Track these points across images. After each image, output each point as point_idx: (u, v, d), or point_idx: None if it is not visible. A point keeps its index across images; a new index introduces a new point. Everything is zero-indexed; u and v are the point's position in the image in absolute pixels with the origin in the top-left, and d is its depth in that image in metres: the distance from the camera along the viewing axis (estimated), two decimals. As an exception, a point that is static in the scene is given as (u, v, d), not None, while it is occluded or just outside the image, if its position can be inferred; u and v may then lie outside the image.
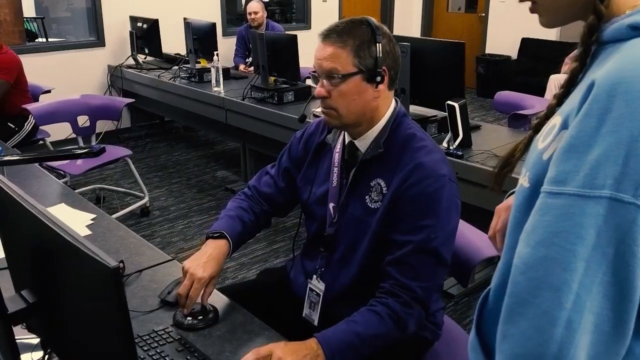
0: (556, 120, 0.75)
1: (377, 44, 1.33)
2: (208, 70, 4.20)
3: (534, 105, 3.47)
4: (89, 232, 1.78)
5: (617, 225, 0.64)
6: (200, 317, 1.34)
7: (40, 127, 3.94)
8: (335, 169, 1.46)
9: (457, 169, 2.49)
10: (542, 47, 6.67)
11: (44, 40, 5.95)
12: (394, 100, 1.44)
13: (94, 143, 3.88)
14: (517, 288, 0.69)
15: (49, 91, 4.18)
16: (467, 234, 1.63)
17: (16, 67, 3.82)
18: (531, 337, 0.67)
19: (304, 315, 1.51)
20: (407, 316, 1.29)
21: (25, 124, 3.80)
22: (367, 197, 1.39)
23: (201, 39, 4.40)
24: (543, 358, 0.66)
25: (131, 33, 5.07)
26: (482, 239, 1.64)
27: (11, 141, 3.70)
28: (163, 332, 1.28)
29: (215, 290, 1.45)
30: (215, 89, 4.01)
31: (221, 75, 3.99)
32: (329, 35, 1.33)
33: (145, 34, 4.91)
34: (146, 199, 3.89)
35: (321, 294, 1.46)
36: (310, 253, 1.55)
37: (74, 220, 1.85)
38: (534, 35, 6.76)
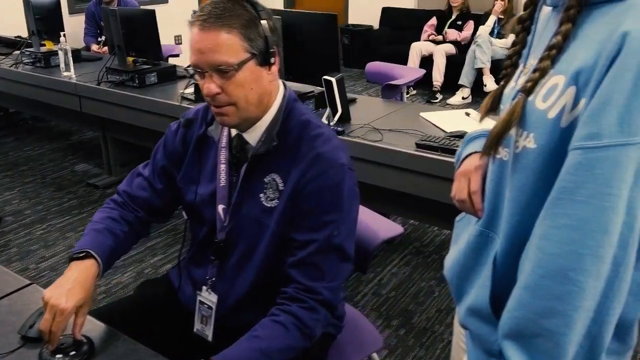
0: (557, 79, 0.79)
1: (262, 21, 1.17)
2: (55, 53, 3.74)
3: (403, 74, 3.49)
4: None
5: None
6: (73, 353, 1.12)
7: None
8: (223, 166, 1.29)
9: (339, 146, 2.42)
10: (402, 16, 6.83)
11: None
12: (281, 84, 1.29)
13: None
14: (574, 246, 0.73)
15: None
16: (362, 217, 1.55)
17: None
18: (583, 282, 0.74)
19: (195, 331, 1.35)
20: (313, 323, 1.17)
21: None
22: (261, 195, 1.24)
23: (44, 18, 3.91)
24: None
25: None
26: (376, 221, 1.57)
27: None
28: (27, 379, 1.06)
29: (88, 316, 1.24)
30: (65, 73, 3.58)
31: (71, 58, 3.57)
32: (208, 21, 1.12)
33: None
34: (-5, 204, 3.42)
35: (214, 307, 1.30)
36: (198, 260, 1.37)
37: None
38: (394, 4, 6.90)
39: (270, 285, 1.24)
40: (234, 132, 1.29)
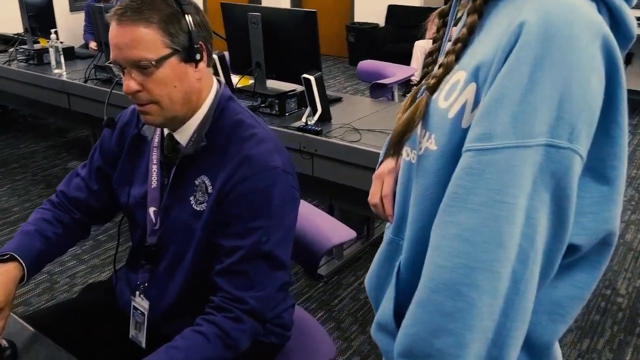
0: (459, 75, 0.72)
1: (186, 15, 1.11)
2: (48, 50, 3.74)
3: (394, 73, 3.42)
4: None
5: (553, 171, 0.64)
6: (-8, 358, 1.09)
7: None
8: (154, 167, 1.24)
9: (315, 146, 2.36)
10: (407, 14, 6.74)
11: None
12: (215, 81, 1.24)
13: None
14: (463, 259, 0.66)
15: None
16: (314, 219, 1.49)
17: None
18: (476, 299, 0.65)
19: (130, 337, 1.30)
20: (238, 334, 1.12)
21: None
22: (191, 198, 1.19)
23: (38, 15, 3.90)
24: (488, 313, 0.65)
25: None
26: (330, 225, 1.51)
27: None
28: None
29: (18, 319, 1.20)
30: (56, 70, 3.57)
31: (61, 56, 3.56)
32: (125, 15, 1.07)
33: (-28, 12, 4.30)
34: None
35: (146, 313, 1.26)
36: (133, 265, 1.33)
37: None
38: (400, 2, 6.81)
39: (202, 292, 1.19)
40: (166, 131, 1.24)
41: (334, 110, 2.59)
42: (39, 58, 3.81)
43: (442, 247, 0.68)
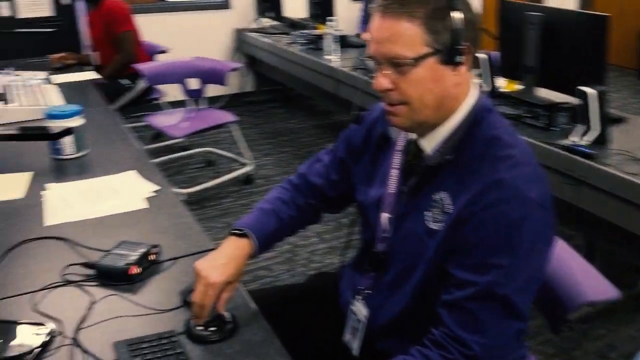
0: None
1: (455, 12, 1.00)
2: (324, 37, 3.98)
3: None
4: (146, 205, 1.67)
5: None
6: (213, 329, 1.14)
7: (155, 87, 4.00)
8: (395, 172, 1.16)
9: (582, 171, 2.05)
10: None
11: None
12: (475, 88, 1.10)
13: (202, 106, 3.85)
14: None
15: (164, 51, 4.21)
16: (568, 263, 1.26)
17: (129, 13, 3.88)
18: None
19: (344, 339, 1.26)
20: None
21: (138, 81, 3.85)
22: (427, 213, 1.09)
23: (321, 3, 4.18)
24: None
25: (258, -5, 4.98)
26: (587, 275, 1.25)
27: (124, 98, 3.77)
28: (166, 340, 1.10)
29: (244, 294, 1.25)
30: (328, 57, 3.78)
31: (335, 43, 3.75)
32: (388, 6, 1.00)
33: (271, -4, 4.79)
34: (250, 167, 3.81)
35: (363, 321, 1.20)
36: (359, 267, 1.28)
37: (137, 190, 1.76)
38: None
39: (424, 317, 1.08)
40: (412, 136, 1.15)
41: (614, 132, 2.22)
42: (316, 43, 4.08)
43: None
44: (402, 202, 1.14)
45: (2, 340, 1.09)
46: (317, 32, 4.16)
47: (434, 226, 1.07)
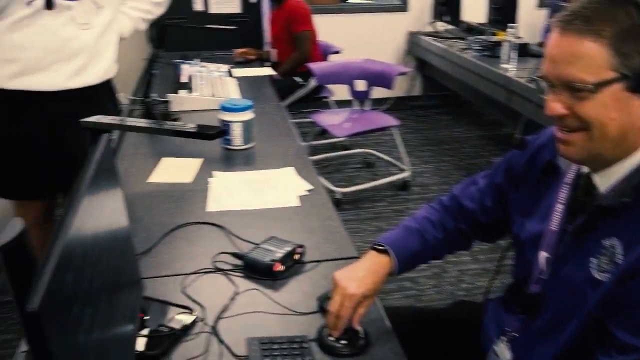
0: None
1: None
2: (502, 44, 3.77)
3: None
4: (298, 203, 1.71)
5: None
6: (345, 342, 1.11)
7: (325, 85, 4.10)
8: (560, 207, 1.04)
9: None
10: None
11: (357, 0, 6.16)
12: None
13: (367, 108, 3.87)
14: None
15: (337, 52, 4.29)
16: None
17: (309, 13, 4.00)
18: None
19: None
20: None
21: (310, 80, 3.98)
22: (593, 259, 0.95)
23: (502, 8, 3.97)
24: None
25: (435, -2, 4.88)
26: None
27: (295, 95, 3.91)
28: (297, 345, 1.10)
29: (381, 306, 1.21)
30: (504, 65, 3.58)
31: (514, 51, 3.53)
32: (571, 22, 0.89)
33: (449, 0, 4.66)
34: (407, 173, 3.76)
35: (506, 367, 1.09)
36: (508, 304, 1.17)
37: (292, 188, 1.80)
38: None
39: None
40: (584, 169, 1.01)
41: None
42: (492, 50, 3.88)
43: None
44: (565, 242, 1.02)
45: (149, 317, 1.17)
46: (494, 38, 3.97)
47: (598, 276, 0.93)
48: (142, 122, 1.14)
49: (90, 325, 0.76)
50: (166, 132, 1.05)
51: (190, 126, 1.12)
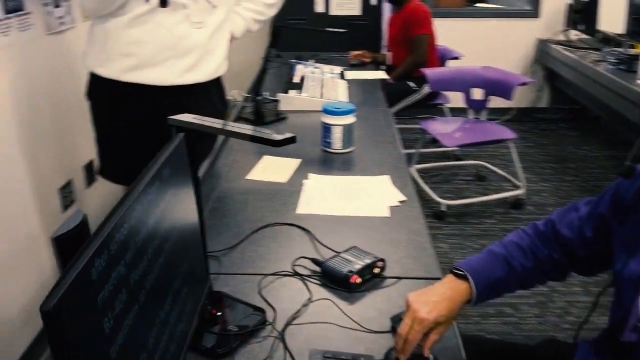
0: None
1: None
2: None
3: None
4: (388, 214, 1.65)
5: None
6: (413, 369, 1.05)
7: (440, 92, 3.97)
8: None
9: None
10: None
11: (484, 5, 5.92)
12: None
13: (482, 118, 3.69)
14: None
15: (457, 57, 4.14)
16: None
17: (429, 17, 3.89)
18: None
19: None
20: None
21: (424, 85, 3.87)
22: None
23: (645, 19, 3.61)
24: None
25: (569, 5, 4.55)
26: None
27: (408, 100, 3.83)
28: (362, 364, 1.05)
29: (459, 335, 1.13)
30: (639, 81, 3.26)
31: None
32: None
33: (584, 8, 4.33)
34: (522, 190, 3.53)
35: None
36: (601, 349, 1.04)
37: (384, 197, 1.75)
38: None
39: None
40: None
41: None
42: (629, 64, 3.55)
43: None
44: None
45: (221, 313, 1.17)
46: (632, 51, 3.62)
47: None
48: (216, 123, 1.16)
49: (137, 318, 0.75)
50: (230, 134, 1.06)
51: (261, 131, 1.12)
